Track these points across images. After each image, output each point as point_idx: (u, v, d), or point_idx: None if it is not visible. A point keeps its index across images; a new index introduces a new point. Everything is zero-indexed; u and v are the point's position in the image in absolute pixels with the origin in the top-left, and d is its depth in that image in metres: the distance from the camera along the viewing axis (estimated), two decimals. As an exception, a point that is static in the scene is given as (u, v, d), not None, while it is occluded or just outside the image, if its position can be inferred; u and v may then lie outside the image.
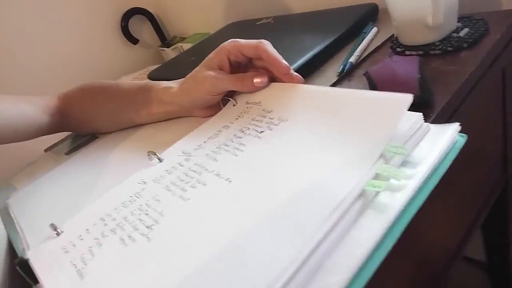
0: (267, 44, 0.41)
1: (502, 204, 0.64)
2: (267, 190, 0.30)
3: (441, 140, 0.29)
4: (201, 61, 0.46)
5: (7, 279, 0.44)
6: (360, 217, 0.26)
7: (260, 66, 0.44)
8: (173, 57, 1.02)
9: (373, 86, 0.40)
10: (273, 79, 0.43)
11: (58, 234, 0.35)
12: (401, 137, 0.29)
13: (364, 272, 0.23)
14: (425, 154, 0.28)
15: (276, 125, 0.37)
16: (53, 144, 0.67)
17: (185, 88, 0.46)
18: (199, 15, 1.08)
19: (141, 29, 1.15)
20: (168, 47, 1.06)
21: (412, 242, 0.40)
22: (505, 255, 0.73)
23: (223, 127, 0.41)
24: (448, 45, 0.44)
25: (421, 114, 0.30)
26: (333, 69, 0.50)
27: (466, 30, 0.45)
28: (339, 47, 0.55)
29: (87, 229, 0.34)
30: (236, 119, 0.41)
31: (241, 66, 0.45)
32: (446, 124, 0.30)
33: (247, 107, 0.42)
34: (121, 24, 1.09)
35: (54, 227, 0.36)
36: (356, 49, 0.51)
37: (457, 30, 0.46)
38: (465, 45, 0.44)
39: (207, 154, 0.38)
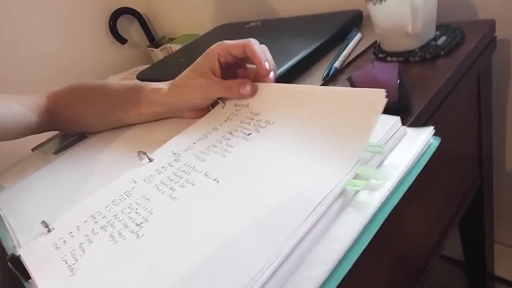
0: (254, 44, 0.42)
1: (478, 204, 0.67)
2: (253, 191, 0.31)
3: (416, 143, 0.31)
4: (190, 63, 0.47)
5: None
6: (340, 214, 0.27)
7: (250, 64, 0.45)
8: (161, 57, 1.03)
9: (355, 91, 0.42)
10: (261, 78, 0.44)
11: (49, 231, 0.36)
12: (380, 140, 0.31)
13: (343, 265, 0.25)
14: (401, 156, 0.30)
15: (263, 127, 0.38)
16: (40, 143, 0.67)
17: (177, 91, 0.48)
18: (187, 16, 1.09)
19: (130, 29, 1.15)
20: (156, 48, 1.07)
21: (391, 239, 0.42)
22: (482, 254, 0.76)
23: (212, 129, 0.43)
24: (427, 52, 0.46)
25: (398, 118, 0.32)
26: (318, 73, 0.52)
27: (443, 38, 0.48)
28: (324, 52, 0.57)
29: (78, 226, 0.35)
30: (225, 121, 0.43)
31: (231, 66, 0.47)
32: (422, 128, 0.32)
33: (236, 109, 0.44)
34: (109, 23, 1.09)
35: (45, 224, 0.36)
36: (341, 54, 0.53)
37: (435, 38, 0.48)
38: (442, 52, 0.46)
39: (196, 155, 0.39)
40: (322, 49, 0.56)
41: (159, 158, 0.41)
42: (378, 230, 0.27)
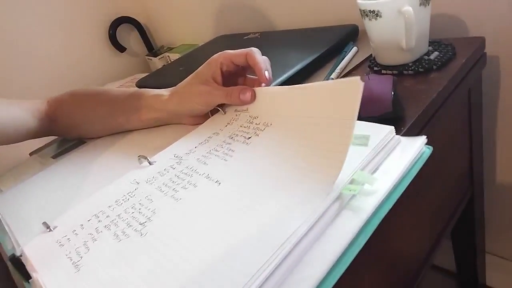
0: (256, 52, 0.44)
1: (470, 215, 0.68)
2: (255, 192, 0.32)
3: (410, 151, 0.32)
4: (190, 72, 0.49)
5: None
6: (336, 217, 0.29)
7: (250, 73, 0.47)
8: (159, 66, 1.04)
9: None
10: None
11: (51, 231, 0.37)
12: (375, 148, 0.32)
13: (339, 266, 0.26)
14: (395, 163, 0.32)
15: (262, 130, 0.40)
16: (38, 148, 0.67)
17: (178, 97, 0.49)
18: (186, 27, 1.11)
19: (129, 37, 1.17)
20: (155, 56, 1.08)
21: (383, 249, 0.43)
22: (473, 264, 0.77)
23: (213, 133, 0.44)
24: (420, 66, 0.48)
25: (393, 127, 0.34)
26: (315, 84, 0.54)
27: (436, 53, 0.50)
28: (321, 64, 0.59)
29: (82, 225, 0.36)
30: (226, 126, 0.44)
31: (232, 75, 0.48)
32: (415, 137, 0.34)
33: (236, 115, 0.45)
34: (109, 32, 1.10)
35: (46, 225, 0.37)
36: (337, 66, 0.55)
37: (428, 53, 0.50)
38: (434, 67, 0.48)
39: (197, 159, 0.40)
40: (319, 61, 0.58)
41: (161, 161, 0.42)
42: (372, 235, 0.28)
